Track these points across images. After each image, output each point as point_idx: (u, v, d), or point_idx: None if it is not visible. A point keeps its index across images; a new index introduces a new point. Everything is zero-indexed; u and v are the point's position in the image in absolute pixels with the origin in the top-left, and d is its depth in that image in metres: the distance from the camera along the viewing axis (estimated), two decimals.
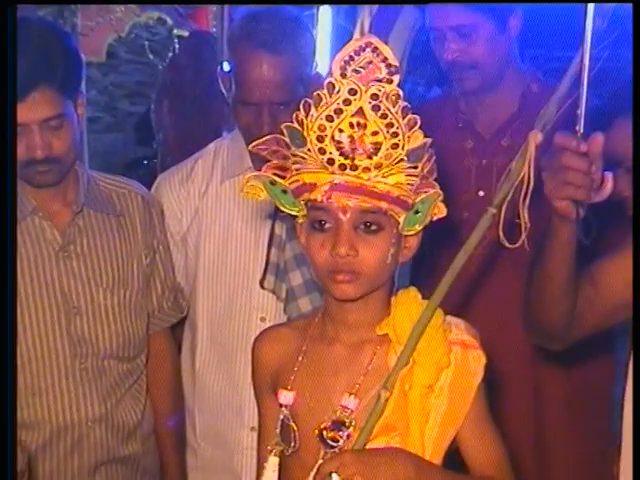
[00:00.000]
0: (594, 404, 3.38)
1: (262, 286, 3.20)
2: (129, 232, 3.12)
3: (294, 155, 2.12)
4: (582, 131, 2.17)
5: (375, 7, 12.70)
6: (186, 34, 9.21)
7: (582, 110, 2.18)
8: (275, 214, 3.06)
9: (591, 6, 2.21)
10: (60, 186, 3.02)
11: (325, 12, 11.70)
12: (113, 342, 3.06)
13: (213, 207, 3.29)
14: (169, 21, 9.40)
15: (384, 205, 2.10)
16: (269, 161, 2.16)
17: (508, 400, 3.20)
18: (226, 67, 3.27)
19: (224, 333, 3.16)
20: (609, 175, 2.18)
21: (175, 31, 9.44)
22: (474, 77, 3.25)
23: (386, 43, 2.13)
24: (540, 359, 3.19)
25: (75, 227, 3.04)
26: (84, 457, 3.03)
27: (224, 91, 3.23)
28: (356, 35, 2.20)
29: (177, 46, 9.51)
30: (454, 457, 2.29)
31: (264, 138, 2.17)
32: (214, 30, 9.05)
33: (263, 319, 3.17)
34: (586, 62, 2.20)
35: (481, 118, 3.23)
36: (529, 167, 2.15)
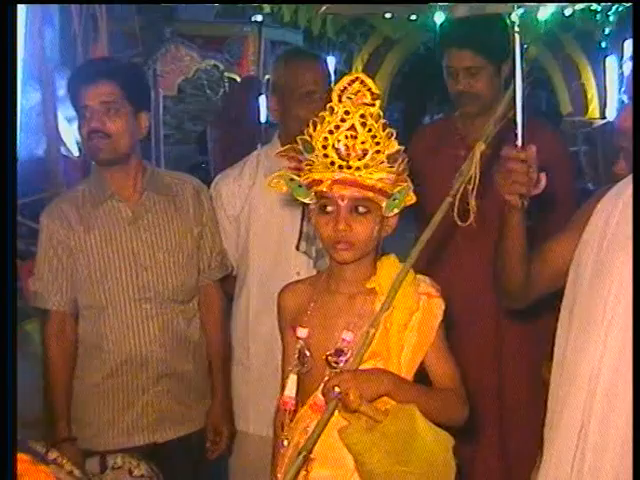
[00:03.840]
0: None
1: (297, 249, 3.18)
2: (183, 210, 3.07)
3: (306, 159, 2.13)
4: (520, 144, 2.16)
5: (366, 56, 12.64)
6: (233, 76, 9.18)
7: (519, 130, 2.18)
8: None
9: (518, 53, 2.22)
10: (130, 177, 3.00)
11: (330, 59, 11.65)
12: (170, 290, 3.01)
13: (259, 195, 3.24)
14: (221, 66, 9.38)
15: (371, 194, 2.11)
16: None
17: (473, 342, 3.16)
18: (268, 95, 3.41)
19: (270, 285, 3.07)
20: (542, 174, 2.17)
21: (225, 74, 9.42)
22: (475, 104, 3.22)
23: (374, 79, 2.12)
24: (501, 312, 3.13)
25: (143, 206, 3.00)
26: (149, 370, 3.00)
27: (268, 103, 3.37)
28: None
29: (227, 85, 9.48)
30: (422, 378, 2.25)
31: (286, 147, 2.19)
32: (253, 73, 9.03)
33: (298, 273, 3.12)
34: (519, 97, 2.19)
35: (472, 134, 3.18)
36: (475, 168, 2.16)
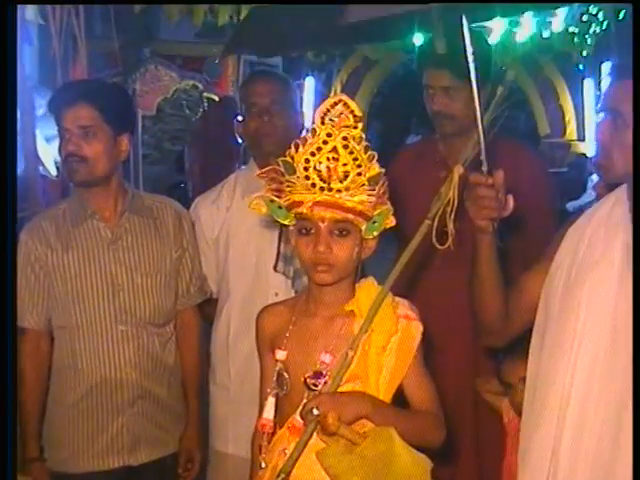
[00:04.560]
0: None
1: (275, 270, 3.17)
2: (163, 233, 3.06)
3: (287, 181, 2.13)
4: (486, 169, 2.19)
5: (345, 77, 12.64)
6: (212, 96, 9.18)
7: (483, 156, 2.20)
8: None
9: (473, 78, 2.25)
10: (111, 198, 2.99)
11: (309, 81, 11.68)
12: (146, 312, 3.00)
13: (237, 217, 3.24)
14: (200, 87, 9.37)
15: (351, 217, 2.11)
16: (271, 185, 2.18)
17: (451, 365, 3.16)
18: (240, 118, 3.30)
19: (249, 306, 3.07)
20: (510, 197, 2.19)
21: (204, 94, 9.41)
22: (451, 125, 3.21)
23: (353, 100, 2.13)
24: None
25: (122, 228, 2.99)
26: (124, 392, 2.98)
27: (237, 133, 3.30)
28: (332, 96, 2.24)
29: (205, 105, 9.48)
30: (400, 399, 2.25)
31: (267, 168, 2.18)
32: (231, 93, 9.04)
33: (277, 294, 3.12)
34: (480, 127, 2.22)
35: (452, 156, 3.18)
36: (454, 191, 2.17)
